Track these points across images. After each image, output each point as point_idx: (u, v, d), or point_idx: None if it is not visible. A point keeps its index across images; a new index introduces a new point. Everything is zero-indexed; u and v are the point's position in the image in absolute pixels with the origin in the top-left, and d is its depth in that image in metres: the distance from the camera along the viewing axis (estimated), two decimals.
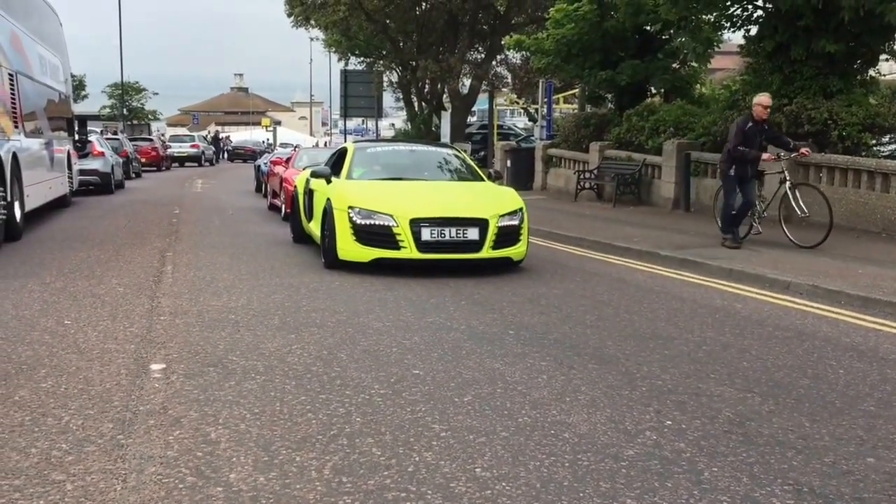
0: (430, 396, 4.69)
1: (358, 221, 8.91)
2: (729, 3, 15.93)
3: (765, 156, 10.87)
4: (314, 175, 10.53)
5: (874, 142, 14.39)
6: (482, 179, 10.63)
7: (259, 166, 24.78)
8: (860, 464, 3.81)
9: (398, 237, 8.75)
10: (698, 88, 21.57)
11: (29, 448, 3.84)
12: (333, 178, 10.08)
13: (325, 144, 54.28)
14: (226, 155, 58.33)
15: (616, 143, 19.55)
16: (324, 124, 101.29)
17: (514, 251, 9.21)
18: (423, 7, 34.24)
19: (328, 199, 9.53)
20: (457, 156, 11.36)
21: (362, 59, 39.74)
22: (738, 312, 7.27)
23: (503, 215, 9.09)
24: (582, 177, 19.67)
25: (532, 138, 30.32)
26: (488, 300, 7.59)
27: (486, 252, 8.90)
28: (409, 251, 8.74)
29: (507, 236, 9.09)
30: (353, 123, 52.10)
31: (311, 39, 49.54)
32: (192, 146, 47.38)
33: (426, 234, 8.73)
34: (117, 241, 11.70)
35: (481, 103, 42.85)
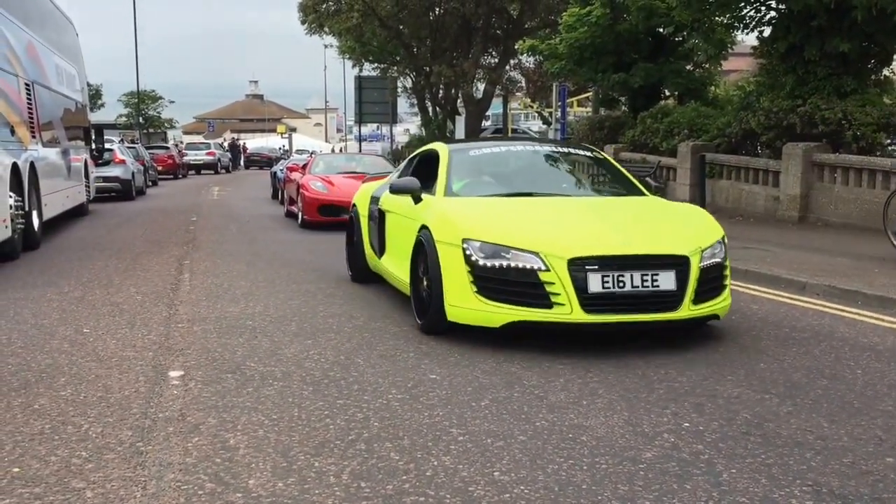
0: (447, 401, 4.70)
1: (481, 263, 5.84)
2: (742, 5, 15.91)
3: None
4: (394, 190, 7.38)
5: (889, 141, 14.33)
6: (643, 193, 7.41)
7: (275, 173, 24.90)
8: (879, 464, 3.79)
9: (549, 287, 5.66)
10: (712, 90, 21.56)
11: (49, 456, 3.87)
12: (425, 195, 7.08)
13: (342, 150, 54.38)
14: (242, 162, 58.67)
15: (630, 146, 19.55)
16: (339, 130, 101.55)
17: (720, 305, 6.15)
18: (437, 12, 34.34)
19: (423, 227, 6.52)
20: (598, 159, 8.16)
21: (376, 65, 39.89)
22: (754, 314, 7.23)
23: (705, 249, 6.04)
24: None
25: None
26: None
27: (687, 309, 5.82)
28: (567, 310, 5.62)
29: (711, 282, 6.07)
30: (367, 129, 52.22)
31: (326, 46, 49.76)
32: (209, 153, 47.57)
33: (594, 282, 5.64)
34: (135, 250, 11.78)
35: (495, 107, 42.91)
